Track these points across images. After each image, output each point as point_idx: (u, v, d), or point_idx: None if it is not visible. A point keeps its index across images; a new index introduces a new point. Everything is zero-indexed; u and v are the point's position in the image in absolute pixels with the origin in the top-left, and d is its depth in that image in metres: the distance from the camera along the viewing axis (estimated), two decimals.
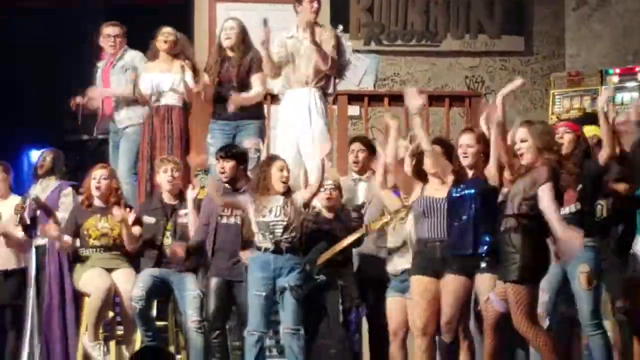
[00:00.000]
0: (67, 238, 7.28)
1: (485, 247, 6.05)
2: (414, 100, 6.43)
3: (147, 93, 8.06)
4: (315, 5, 7.82)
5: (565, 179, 6.05)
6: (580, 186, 6.21)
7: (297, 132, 7.75)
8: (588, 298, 6.18)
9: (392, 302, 6.63)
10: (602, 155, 6.35)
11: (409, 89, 6.67)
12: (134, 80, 8.08)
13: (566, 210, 6.18)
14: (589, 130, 6.87)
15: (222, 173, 7.15)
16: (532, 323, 5.72)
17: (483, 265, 6.06)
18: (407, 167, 6.58)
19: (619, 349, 6.57)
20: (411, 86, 11.04)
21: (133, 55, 8.31)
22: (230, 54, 8.03)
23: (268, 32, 7.71)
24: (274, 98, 8.49)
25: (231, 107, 7.87)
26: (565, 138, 6.39)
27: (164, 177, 7.33)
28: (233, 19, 8.14)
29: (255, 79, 7.98)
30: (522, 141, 5.90)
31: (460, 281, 6.16)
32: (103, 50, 8.46)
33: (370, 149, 7.42)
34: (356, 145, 7.54)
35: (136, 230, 7.25)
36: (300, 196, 6.77)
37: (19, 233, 7.54)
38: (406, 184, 6.46)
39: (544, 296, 6.16)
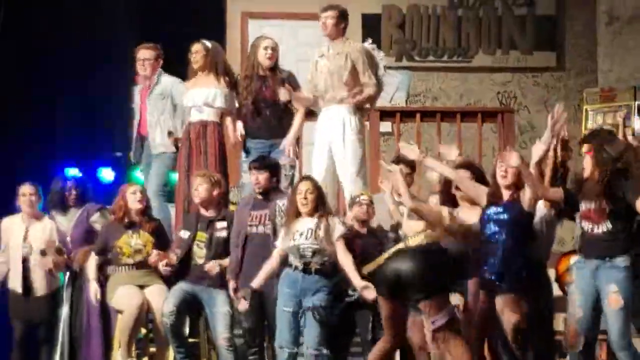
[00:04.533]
0: (93, 260, 7.38)
1: (512, 273, 6.16)
2: (411, 153, 6.52)
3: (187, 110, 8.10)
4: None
5: (591, 199, 6.16)
6: (609, 207, 6.17)
7: (332, 150, 7.73)
8: (617, 318, 6.14)
9: (411, 321, 6.59)
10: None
11: (402, 145, 6.79)
12: (171, 141, 8.12)
13: (598, 230, 6.17)
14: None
15: (257, 184, 7.16)
16: None
17: (504, 288, 6.17)
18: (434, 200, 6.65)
19: None
20: (444, 102, 11.13)
21: (168, 82, 8.29)
22: (265, 72, 8.03)
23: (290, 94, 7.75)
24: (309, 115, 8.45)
25: (285, 95, 7.84)
26: (585, 160, 6.37)
27: (192, 192, 7.38)
28: (270, 39, 8.13)
29: (293, 100, 7.98)
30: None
31: (480, 298, 6.27)
32: (139, 74, 8.49)
33: (412, 168, 7.34)
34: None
35: (172, 257, 7.28)
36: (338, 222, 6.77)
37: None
38: (433, 218, 6.43)
39: (578, 313, 6.15)
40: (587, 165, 6.32)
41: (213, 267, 7.12)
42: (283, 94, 7.83)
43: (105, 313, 7.49)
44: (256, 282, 6.78)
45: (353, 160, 7.68)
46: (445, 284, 6.08)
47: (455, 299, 6.29)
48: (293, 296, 6.65)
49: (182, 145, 8.04)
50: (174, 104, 8.21)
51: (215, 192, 7.34)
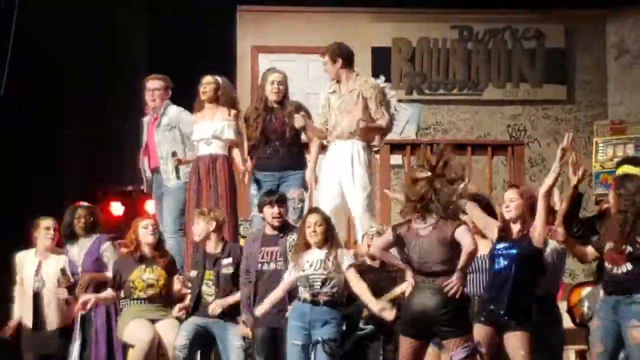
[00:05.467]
0: (107, 292, 7.38)
1: (520, 310, 6.16)
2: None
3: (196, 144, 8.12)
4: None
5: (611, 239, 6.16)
6: (630, 248, 6.16)
7: (342, 184, 7.74)
8: (638, 352, 6.11)
9: (429, 355, 6.56)
10: (535, 234, 6.33)
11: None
12: (176, 165, 8.14)
13: (618, 271, 6.17)
14: (621, 169, 6.82)
15: (277, 218, 7.15)
16: None
17: (512, 323, 6.16)
18: None
19: None
20: (454, 135, 11.14)
21: (175, 113, 8.33)
22: (273, 105, 8.05)
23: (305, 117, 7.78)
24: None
25: (300, 122, 7.87)
26: (610, 195, 6.36)
27: (192, 230, 7.37)
28: (279, 73, 8.15)
29: (308, 135, 8.01)
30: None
31: (485, 331, 6.21)
32: (148, 105, 8.53)
33: None
34: None
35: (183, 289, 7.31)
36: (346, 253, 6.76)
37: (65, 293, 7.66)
38: None
39: (599, 348, 6.14)
40: (612, 200, 6.32)
41: (215, 308, 7.14)
42: (298, 121, 7.87)
43: (112, 347, 7.47)
44: (260, 310, 6.78)
45: (362, 195, 7.70)
46: (469, 319, 6.05)
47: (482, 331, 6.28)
48: (302, 329, 6.64)
49: (190, 181, 8.05)
50: (182, 133, 8.23)
51: (211, 228, 7.33)
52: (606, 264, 6.25)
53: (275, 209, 7.14)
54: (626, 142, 10.57)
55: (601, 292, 6.33)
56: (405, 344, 5.95)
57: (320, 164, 8.06)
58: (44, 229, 7.81)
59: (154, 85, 8.39)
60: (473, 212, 6.47)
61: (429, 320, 5.82)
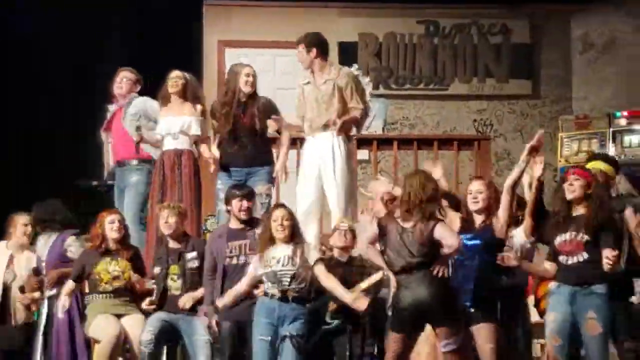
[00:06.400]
0: (68, 285, 7.32)
1: (485, 301, 6.22)
2: (381, 187, 6.63)
3: (160, 138, 8.09)
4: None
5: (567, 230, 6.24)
6: (586, 237, 6.22)
7: (322, 177, 7.73)
8: (595, 344, 6.17)
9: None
10: (497, 225, 6.40)
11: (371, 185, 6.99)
12: (137, 142, 8.10)
13: (575, 259, 6.22)
14: (592, 165, 6.88)
15: (243, 211, 7.14)
16: None
17: (479, 315, 6.21)
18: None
19: None
20: (420, 130, 11.18)
21: (140, 101, 8.31)
22: (244, 99, 8.02)
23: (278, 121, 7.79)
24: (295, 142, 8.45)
25: (273, 127, 7.85)
26: (575, 185, 6.40)
27: (161, 224, 7.35)
28: (249, 65, 8.13)
29: (273, 123, 7.98)
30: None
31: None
32: (115, 95, 8.49)
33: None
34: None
35: (150, 284, 7.27)
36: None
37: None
38: None
39: (557, 341, 6.17)
40: (576, 190, 6.36)
41: (186, 302, 7.12)
42: (272, 126, 7.85)
43: (74, 343, 7.43)
44: (222, 302, 6.80)
45: (343, 190, 7.69)
46: (459, 308, 6.09)
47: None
48: (270, 325, 6.63)
49: (155, 175, 8.02)
50: (149, 120, 8.19)
51: (183, 224, 7.34)
52: (560, 255, 6.30)
53: (244, 203, 7.13)
54: (591, 136, 10.65)
55: (553, 284, 6.36)
56: (397, 341, 5.98)
57: (296, 158, 8.07)
58: (22, 224, 7.79)
59: (125, 74, 8.42)
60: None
61: (424, 311, 5.90)
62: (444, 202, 6.49)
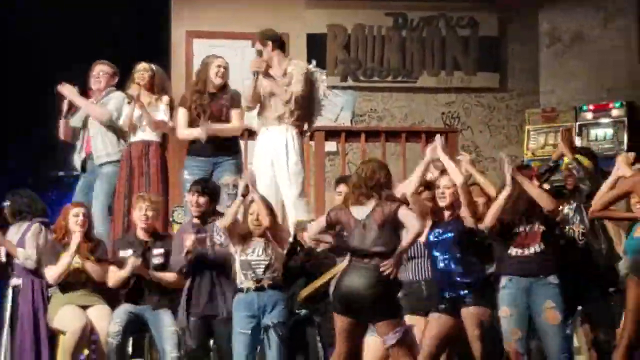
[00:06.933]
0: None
1: (472, 287, 6.25)
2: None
3: (126, 129, 8.06)
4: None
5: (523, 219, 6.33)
6: (542, 228, 6.28)
7: (275, 170, 7.75)
8: (556, 333, 6.22)
9: (369, 341, 6.59)
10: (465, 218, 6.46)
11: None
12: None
13: (530, 250, 6.26)
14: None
15: (197, 207, 7.14)
16: None
17: (468, 300, 6.24)
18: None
19: None
20: (388, 122, 11.20)
21: (120, 97, 8.29)
22: (212, 90, 8.03)
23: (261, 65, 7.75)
24: (251, 134, 8.50)
25: (203, 134, 7.86)
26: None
27: (137, 215, 7.32)
28: (222, 57, 8.14)
29: (234, 114, 8.00)
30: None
31: (443, 320, 6.30)
32: (91, 90, 8.45)
33: None
34: (343, 187, 7.51)
35: (113, 269, 7.24)
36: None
37: None
38: None
39: (517, 334, 6.21)
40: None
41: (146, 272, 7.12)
42: (235, 117, 7.88)
43: (38, 335, 7.40)
44: (222, 222, 6.81)
45: (296, 183, 7.72)
46: (398, 304, 6.10)
47: (416, 320, 6.35)
48: (250, 317, 6.67)
49: (122, 166, 8.01)
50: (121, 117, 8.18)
51: (157, 220, 7.37)
52: (513, 249, 6.33)
53: (194, 198, 7.14)
54: (557, 130, 10.71)
55: (505, 279, 6.39)
56: (338, 321, 6.01)
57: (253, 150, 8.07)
58: None
59: (101, 68, 8.38)
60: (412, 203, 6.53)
61: (356, 300, 5.88)
62: (428, 194, 6.54)
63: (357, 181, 6.07)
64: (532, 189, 6.34)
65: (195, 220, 7.18)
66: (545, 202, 6.28)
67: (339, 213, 6.11)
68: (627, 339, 6.00)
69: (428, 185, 6.67)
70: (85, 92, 8.44)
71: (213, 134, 7.89)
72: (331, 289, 6.37)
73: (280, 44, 7.93)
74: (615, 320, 6.56)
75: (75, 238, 7.22)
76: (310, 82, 7.87)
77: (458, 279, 6.27)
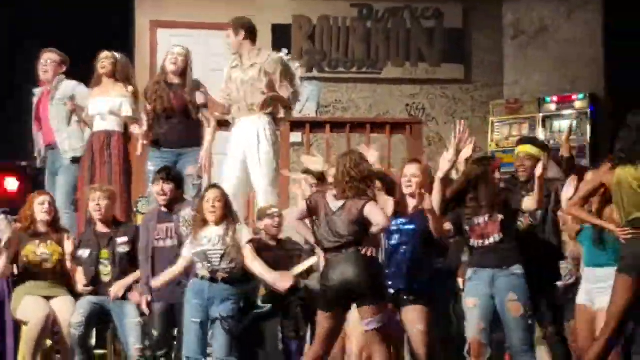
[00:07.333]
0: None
1: (418, 285, 6.24)
2: (315, 165, 6.72)
3: (91, 119, 8.01)
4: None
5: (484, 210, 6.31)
6: (501, 217, 6.30)
7: (247, 160, 7.73)
8: (518, 325, 6.24)
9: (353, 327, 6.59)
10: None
11: (305, 159, 7.18)
12: (71, 111, 8.00)
13: (490, 240, 6.29)
14: (521, 149, 6.97)
15: (163, 195, 7.12)
16: None
17: (410, 298, 6.25)
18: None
19: None
20: (353, 113, 11.20)
21: (69, 86, 8.20)
22: (173, 80, 7.99)
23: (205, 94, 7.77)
24: (223, 125, 8.42)
25: (201, 98, 7.85)
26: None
27: (92, 207, 7.27)
28: (181, 46, 8.10)
29: (205, 114, 7.94)
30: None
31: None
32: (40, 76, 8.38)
33: (320, 179, 7.37)
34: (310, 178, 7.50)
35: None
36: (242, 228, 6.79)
37: None
38: None
39: (481, 325, 6.24)
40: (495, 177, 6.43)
41: (118, 291, 7.08)
42: (199, 97, 7.85)
43: (3, 325, 7.35)
44: (156, 282, 6.79)
45: (267, 172, 7.70)
46: (385, 289, 6.12)
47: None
48: (200, 306, 6.63)
49: (84, 156, 7.97)
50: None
51: (114, 207, 7.31)
52: (473, 241, 6.37)
53: (159, 186, 7.11)
54: (521, 121, 10.80)
55: (470, 270, 6.41)
56: (325, 320, 6.00)
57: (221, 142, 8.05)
58: None
59: (48, 56, 8.28)
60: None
61: (352, 289, 5.91)
62: (378, 185, 6.52)
63: (337, 176, 6.08)
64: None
65: (163, 209, 7.14)
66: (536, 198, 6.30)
67: (318, 199, 6.13)
68: (608, 334, 5.97)
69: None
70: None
71: (210, 149, 7.88)
72: (285, 282, 6.44)
73: (252, 34, 7.90)
74: (564, 314, 6.61)
75: (6, 237, 7.17)
76: (285, 71, 7.85)
77: (407, 273, 6.25)
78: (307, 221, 6.27)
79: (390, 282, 6.25)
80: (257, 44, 7.97)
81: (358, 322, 6.17)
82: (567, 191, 6.50)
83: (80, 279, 7.16)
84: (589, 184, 6.23)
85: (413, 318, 6.24)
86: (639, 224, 5.88)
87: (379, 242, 6.20)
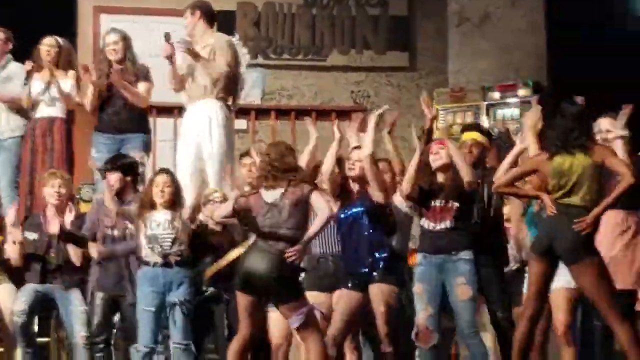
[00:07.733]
0: None
1: (381, 263, 6.29)
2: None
3: (26, 106, 7.93)
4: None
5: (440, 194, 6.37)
6: (456, 204, 6.34)
7: (200, 145, 7.68)
8: (466, 308, 6.29)
9: (273, 317, 6.59)
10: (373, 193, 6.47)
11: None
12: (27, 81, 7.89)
13: (442, 225, 6.32)
14: (467, 136, 7.00)
15: (110, 187, 7.06)
16: None
17: (375, 276, 6.28)
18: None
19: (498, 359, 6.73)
20: (298, 100, 11.19)
21: (18, 67, 8.12)
22: (115, 65, 7.93)
23: (172, 47, 7.64)
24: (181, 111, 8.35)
25: (114, 77, 7.77)
26: (440, 154, 6.51)
27: (49, 192, 7.19)
28: (115, 32, 8.02)
29: (141, 86, 7.90)
30: None
31: (352, 296, 6.30)
32: None
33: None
34: (247, 159, 7.49)
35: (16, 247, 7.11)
36: (185, 212, 6.76)
37: None
38: None
39: (428, 311, 6.28)
40: (442, 158, 6.46)
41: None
42: (144, 88, 7.83)
43: None
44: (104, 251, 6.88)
45: (219, 154, 7.66)
46: (300, 286, 6.09)
47: (322, 296, 6.36)
48: (155, 293, 6.63)
49: (25, 141, 7.89)
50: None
51: (69, 197, 7.24)
52: (425, 221, 6.40)
53: (106, 180, 7.10)
54: (465, 109, 10.84)
55: (419, 255, 6.45)
56: (240, 298, 5.99)
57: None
58: None
59: None
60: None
61: (256, 282, 5.88)
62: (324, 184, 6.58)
63: (267, 164, 6.05)
64: (458, 156, 6.38)
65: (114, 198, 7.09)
66: (466, 171, 6.32)
67: (248, 199, 6.09)
68: (528, 312, 6.03)
69: (338, 162, 6.69)
70: None
71: (120, 87, 7.75)
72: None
73: (209, 16, 7.87)
74: (513, 299, 6.67)
75: None
76: (234, 55, 7.81)
77: (366, 255, 6.29)
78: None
79: (348, 268, 6.31)
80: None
81: (276, 315, 6.25)
82: (502, 166, 6.55)
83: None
84: (522, 167, 6.27)
85: (378, 297, 6.29)
86: (565, 209, 5.87)
87: (310, 250, 6.22)
